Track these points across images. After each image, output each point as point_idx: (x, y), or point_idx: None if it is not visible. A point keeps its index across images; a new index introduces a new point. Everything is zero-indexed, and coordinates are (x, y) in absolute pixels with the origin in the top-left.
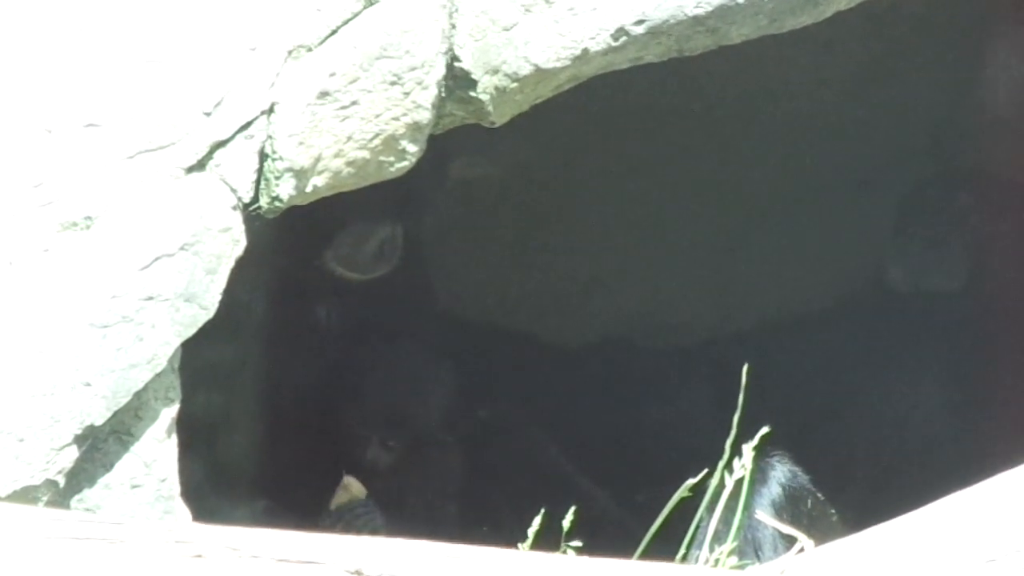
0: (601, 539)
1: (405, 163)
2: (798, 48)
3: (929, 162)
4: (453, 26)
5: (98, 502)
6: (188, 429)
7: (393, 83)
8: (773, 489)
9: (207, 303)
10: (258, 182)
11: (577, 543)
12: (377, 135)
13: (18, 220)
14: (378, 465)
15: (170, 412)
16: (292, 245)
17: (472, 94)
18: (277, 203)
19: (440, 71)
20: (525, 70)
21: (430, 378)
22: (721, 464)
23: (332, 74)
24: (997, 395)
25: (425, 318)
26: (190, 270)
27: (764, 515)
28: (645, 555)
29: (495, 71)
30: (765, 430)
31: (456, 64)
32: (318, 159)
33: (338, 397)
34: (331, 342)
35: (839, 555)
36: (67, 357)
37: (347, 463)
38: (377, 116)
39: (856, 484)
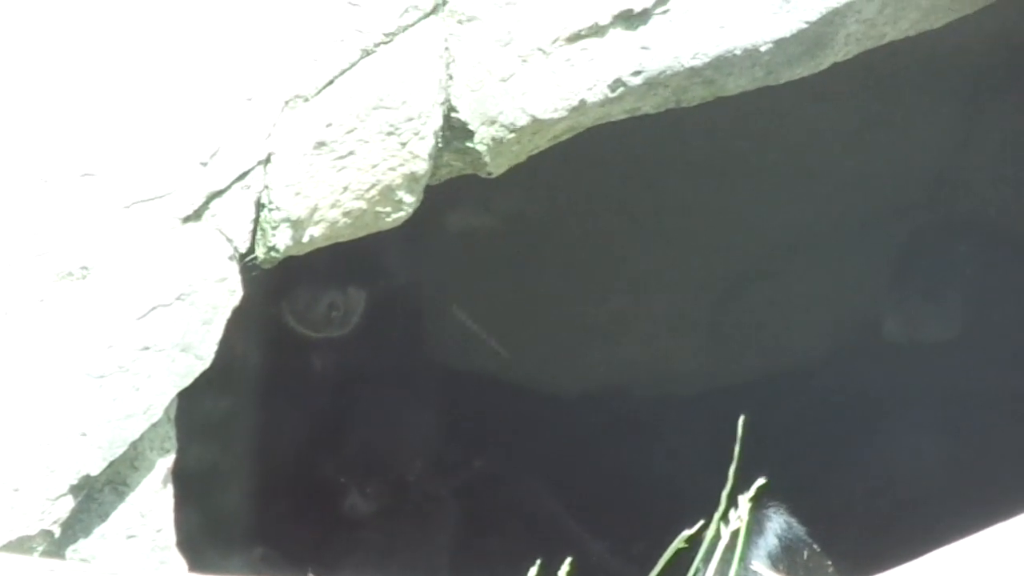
0: None
1: (402, 213)
2: (795, 100)
3: (926, 213)
4: (450, 77)
5: (93, 552)
6: (184, 479)
7: (390, 133)
8: (769, 540)
9: (203, 353)
10: (254, 232)
11: None
12: (374, 185)
13: (14, 270)
14: (358, 513)
15: (166, 462)
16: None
17: (469, 145)
18: (273, 253)
19: (437, 122)
20: (522, 121)
21: (407, 424)
22: (717, 515)
23: (329, 124)
24: (993, 446)
25: (420, 368)
26: (186, 320)
27: (760, 566)
28: None
29: (492, 122)
30: (761, 481)
31: (453, 115)
32: (315, 209)
33: (320, 446)
34: (325, 392)
35: None
36: (63, 407)
37: (330, 513)
38: (374, 166)
39: (852, 535)
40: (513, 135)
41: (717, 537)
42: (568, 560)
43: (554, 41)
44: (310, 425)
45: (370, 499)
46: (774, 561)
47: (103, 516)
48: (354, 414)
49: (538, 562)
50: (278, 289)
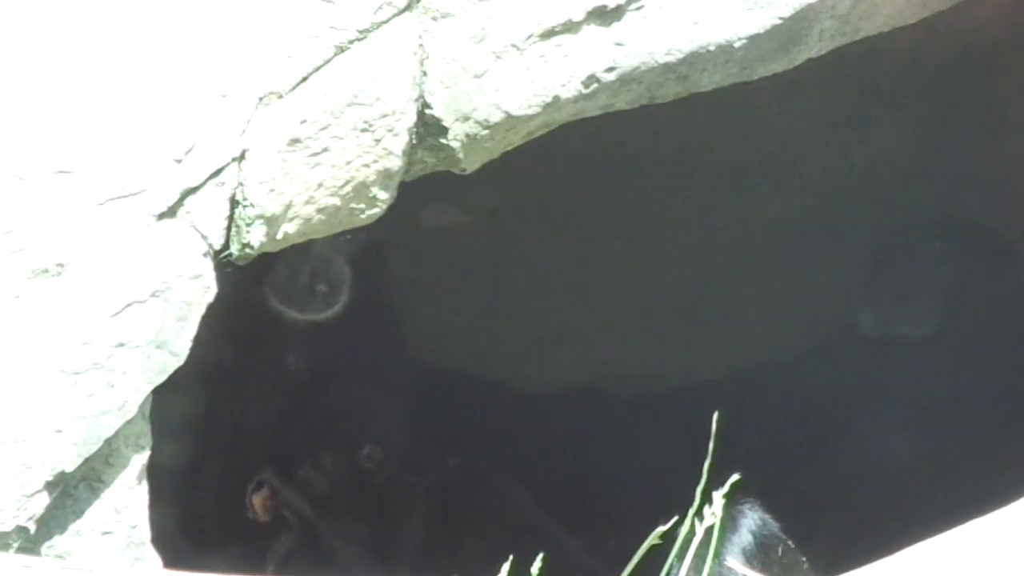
0: None
1: (376, 210)
2: (770, 96)
3: (901, 209)
4: (424, 73)
5: (69, 548)
6: (159, 476)
7: (364, 130)
8: (744, 536)
9: (178, 350)
10: (229, 229)
11: None
12: (348, 182)
13: None
14: (312, 487)
15: (140, 459)
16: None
17: (443, 141)
18: (248, 250)
19: (411, 118)
20: (496, 117)
21: (369, 408)
22: (691, 511)
23: (303, 121)
24: (968, 442)
25: (394, 365)
26: (161, 317)
27: (735, 563)
28: None
29: (466, 118)
30: (735, 477)
31: (427, 111)
32: (289, 206)
33: (286, 429)
34: (299, 388)
35: None
36: (38, 404)
37: (286, 485)
38: (348, 163)
39: (826, 531)
40: (487, 131)
41: (691, 533)
42: (540, 556)
43: (528, 38)
44: (284, 420)
45: (323, 473)
46: (748, 558)
47: (78, 513)
48: (319, 395)
49: (511, 558)
50: (259, 275)
